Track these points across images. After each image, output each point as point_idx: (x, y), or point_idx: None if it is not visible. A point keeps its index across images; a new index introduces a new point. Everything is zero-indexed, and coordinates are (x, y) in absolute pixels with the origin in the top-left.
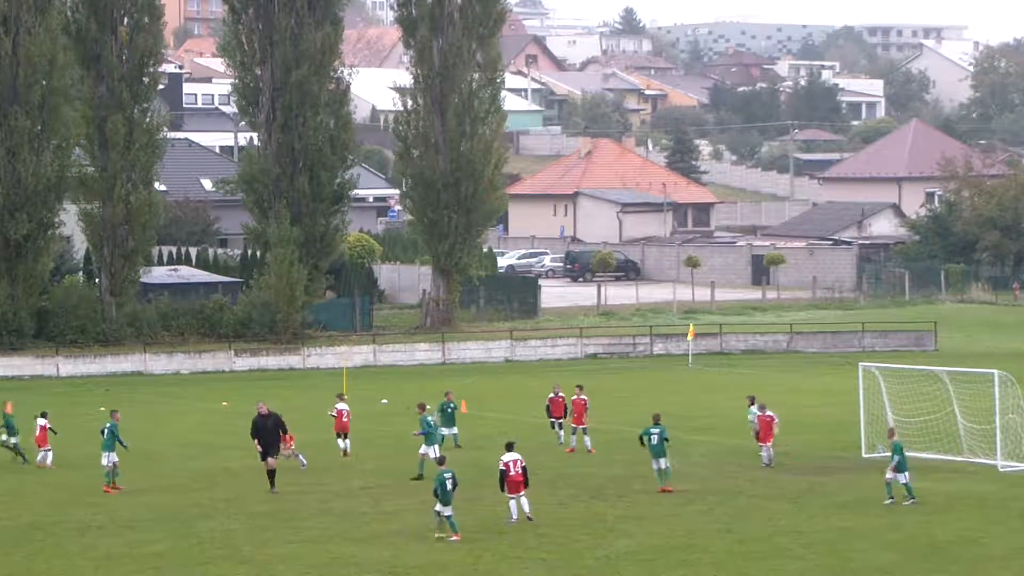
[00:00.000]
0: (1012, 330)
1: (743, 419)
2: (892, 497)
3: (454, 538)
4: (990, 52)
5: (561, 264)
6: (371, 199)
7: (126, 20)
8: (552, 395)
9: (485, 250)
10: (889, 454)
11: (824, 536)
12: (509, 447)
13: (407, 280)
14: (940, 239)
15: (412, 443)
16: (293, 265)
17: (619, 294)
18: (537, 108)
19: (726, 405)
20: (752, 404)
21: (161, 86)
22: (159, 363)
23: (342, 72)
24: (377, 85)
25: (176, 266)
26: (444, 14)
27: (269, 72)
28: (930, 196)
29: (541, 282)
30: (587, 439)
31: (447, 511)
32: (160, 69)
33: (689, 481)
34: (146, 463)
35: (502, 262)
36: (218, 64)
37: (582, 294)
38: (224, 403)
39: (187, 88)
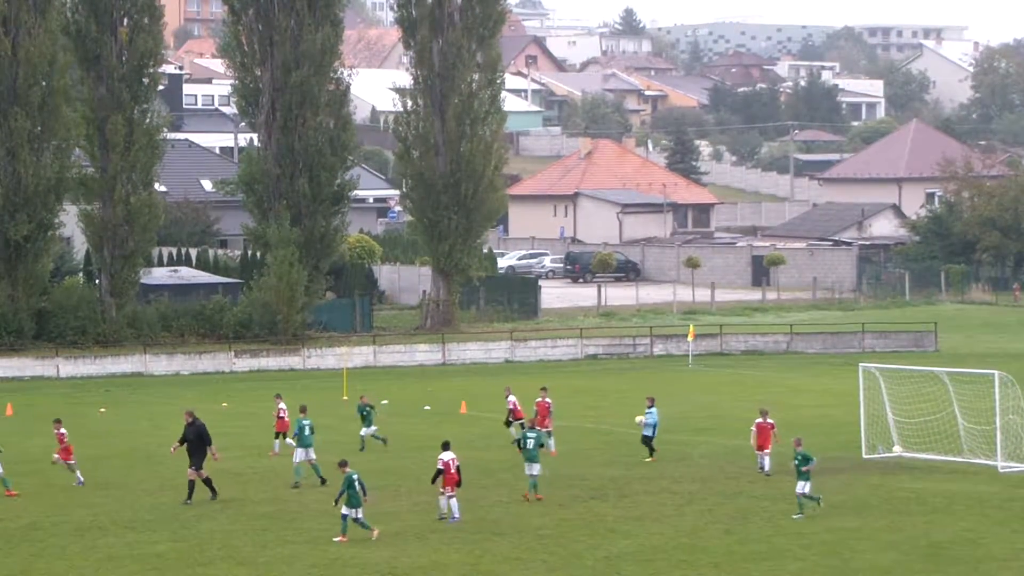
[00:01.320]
0: (1012, 331)
1: (743, 419)
2: (802, 512)
3: (339, 538)
4: (990, 52)
5: (561, 265)
6: (371, 200)
7: (126, 21)
8: (507, 397)
9: (485, 251)
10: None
11: (824, 537)
12: (445, 446)
13: (407, 281)
14: (940, 240)
15: (412, 444)
16: (293, 266)
17: (619, 295)
18: (537, 109)
19: (726, 406)
20: (651, 405)
21: (161, 87)
22: (159, 364)
23: (342, 73)
24: (377, 86)
25: (176, 267)
26: (444, 15)
27: (269, 73)
28: (930, 197)
29: (541, 283)
30: (551, 441)
31: (357, 513)
32: (160, 70)
33: (689, 482)
34: (146, 464)
35: (502, 263)
36: (218, 65)
37: (582, 295)
38: (224, 404)
39: (187, 89)
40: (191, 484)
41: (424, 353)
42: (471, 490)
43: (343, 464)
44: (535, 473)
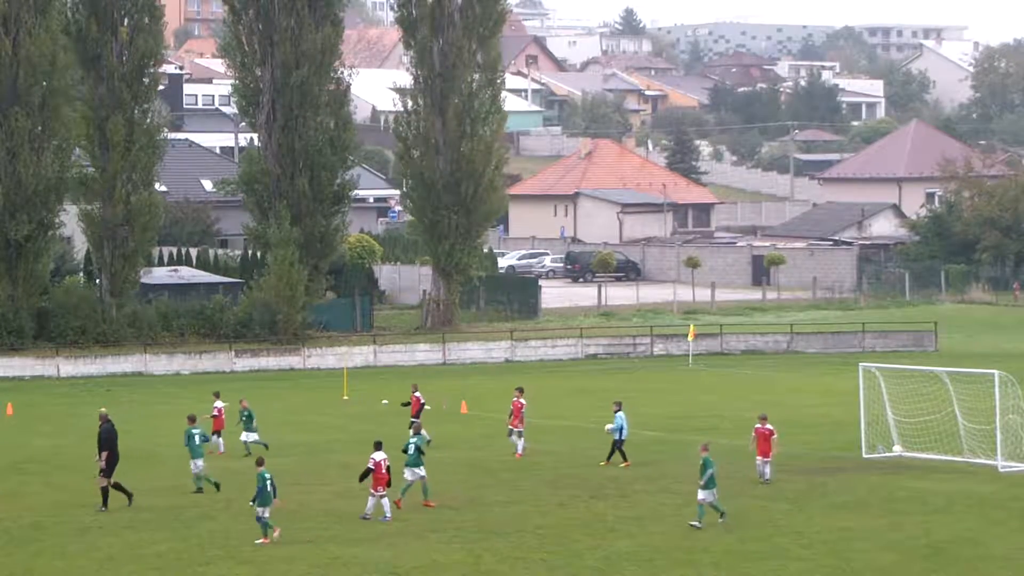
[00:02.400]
0: (1012, 330)
1: (743, 419)
2: (700, 521)
3: (260, 540)
4: (990, 52)
5: (561, 264)
6: (371, 200)
7: (126, 21)
8: (413, 395)
9: (485, 250)
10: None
11: (824, 536)
12: (378, 446)
13: (407, 280)
14: (940, 239)
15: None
16: (293, 266)
17: (619, 294)
18: (537, 109)
19: (726, 406)
20: (619, 410)
21: (161, 87)
22: (159, 364)
23: (342, 73)
24: (377, 86)
25: (176, 267)
26: (444, 15)
27: (269, 73)
28: (930, 196)
29: (541, 282)
30: (520, 442)
31: (266, 513)
32: (160, 70)
33: (689, 482)
34: (146, 464)
35: (502, 262)
36: (218, 65)
37: (582, 294)
38: (224, 404)
39: (187, 89)
40: (103, 491)
41: (424, 353)
42: (472, 491)
43: (259, 463)
44: (412, 479)
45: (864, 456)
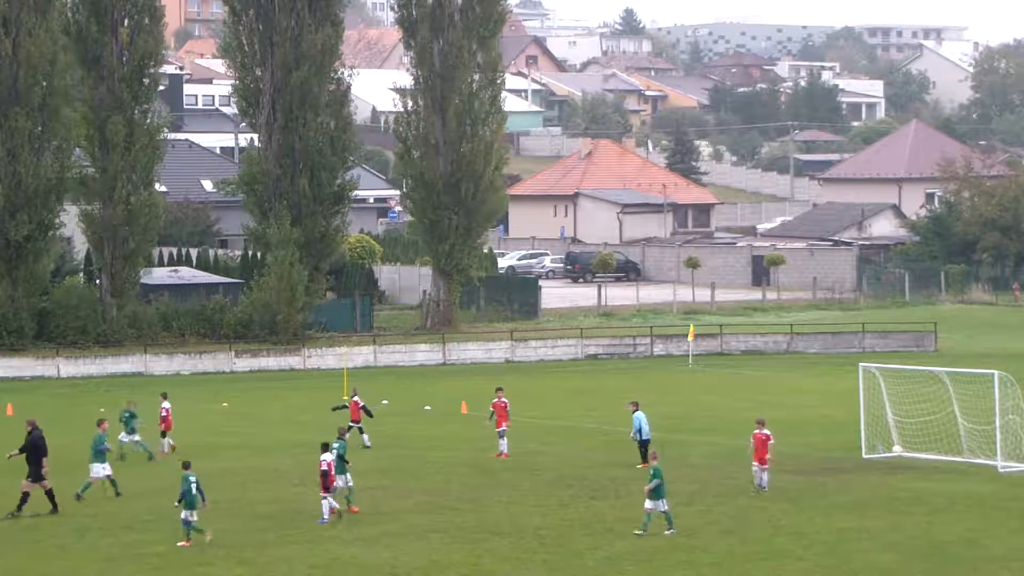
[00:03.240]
0: (1012, 331)
1: (743, 420)
2: (644, 530)
3: (182, 543)
4: (990, 53)
5: (561, 265)
6: (371, 200)
7: (126, 21)
8: (352, 399)
9: (485, 251)
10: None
11: (824, 537)
12: (325, 448)
13: (407, 281)
14: (940, 240)
15: (415, 443)
16: (293, 266)
17: (619, 295)
18: (537, 109)
19: (726, 406)
20: (636, 410)
21: (161, 87)
22: (159, 364)
23: (342, 73)
24: (377, 86)
25: (176, 267)
26: (444, 15)
27: (269, 73)
28: (930, 197)
29: (541, 283)
30: (503, 442)
31: (193, 516)
32: (160, 70)
33: (689, 482)
34: (146, 464)
35: (502, 263)
36: (218, 65)
37: (582, 295)
38: (224, 404)
39: (188, 89)
40: (24, 496)
41: (424, 353)
42: (473, 491)
43: (186, 466)
44: (340, 485)
45: (864, 456)
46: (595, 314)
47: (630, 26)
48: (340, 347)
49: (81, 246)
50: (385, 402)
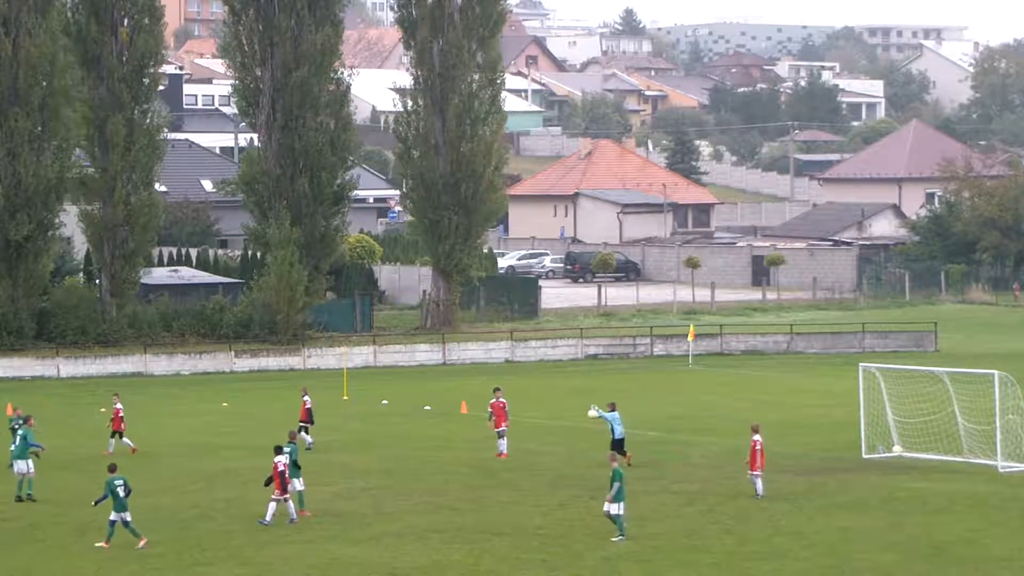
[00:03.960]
0: (1012, 331)
1: (743, 420)
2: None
3: (142, 543)
4: (990, 53)
5: (561, 265)
6: (371, 200)
7: (126, 21)
8: (303, 398)
9: (485, 251)
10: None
11: (824, 536)
12: (278, 450)
13: (407, 281)
14: (940, 240)
15: (415, 443)
16: (293, 266)
17: (619, 295)
18: (537, 109)
19: (726, 406)
20: (613, 410)
21: (161, 87)
22: (159, 364)
23: (342, 73)
24: (377, 86)
25: (176, 267)
26: (444, 15)
27: (269, 73)
28: (930, 197)
29: (541, 283)
30: (502, 442)
31: (126, 516)
32: (160, 70)
33: (689, 482)
34: (146, 464)
35: (502, 263)
36: (218, 65)
37: (582, 295)
38: (224, 404)
39: (187, 89)
40: None
41: (424, 353)
42: (473, 491)
43: (111, 469)
44: (294, 489)
45: (864, 456)
46: (595, 314)
47: (630, 26)
48: (340, 347)
49: (81, 246)
50: (385, 402)
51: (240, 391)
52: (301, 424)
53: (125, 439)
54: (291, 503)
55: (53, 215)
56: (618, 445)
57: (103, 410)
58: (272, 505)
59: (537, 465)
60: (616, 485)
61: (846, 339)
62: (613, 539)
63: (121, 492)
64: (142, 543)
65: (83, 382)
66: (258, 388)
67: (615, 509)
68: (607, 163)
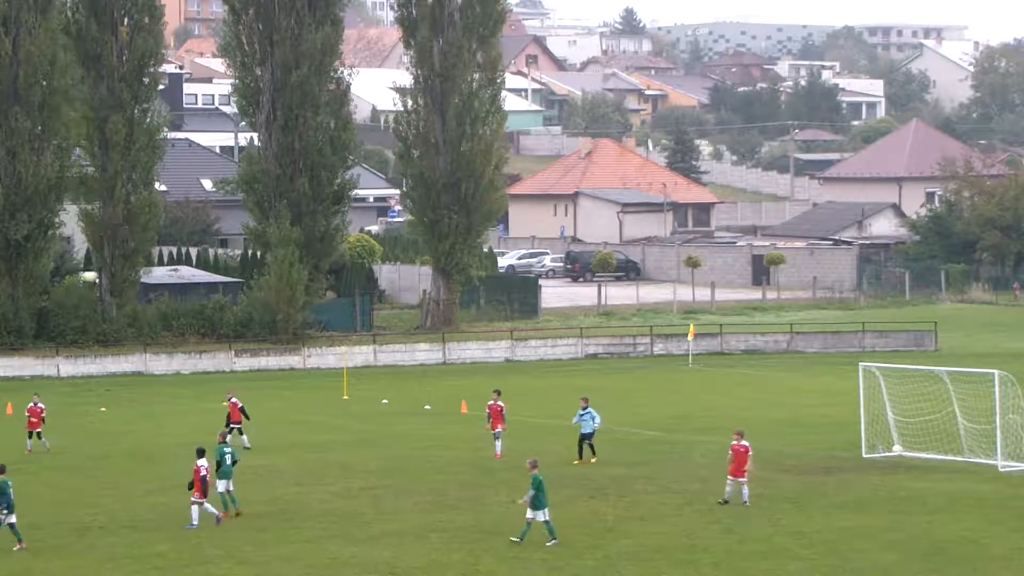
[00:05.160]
0: (1012, 330)
1: (743, 419)
2: (521, 539)
3: (17, 547)
4: (990, 52)
5: (561, 264)
6: (371, 199)
7: (126, 20)
8: (230, 400)
9: (485, 250)
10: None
11: (824, 536)
12: (201, 453)
13: (407, 280)
14: (940, 239)
15: (415, 443)
16: (293, 265)
17: (619, 294)
18: (537, 108)
19: (726, 405)
20: (586, 406)
21: (161, 86)
22: (159, 363)
23: (342, 72)
24: (377, 85)
25: (176, 266)
26: (444, 14)
27: (269, 72)
28: (930, 196)
29: (541, 282)
30: (498, 443)
31: (10, 518)
32: (160, 69)
33: (689, 482)
34: (146, 464)
35: (502, 262)
36: (218, 64)
37: (582, 294)
38: (224, 403)
39: (187, 88)
40: None
41: (424, 352)
42: (471, 490)
43: (1, 470)
44: (228, 490)
45: (864, 456)
46: (595, 313)
47: (630, 25)
48: (340, 347)
49: (81, 246)
50: (385, 401)
51: (240, 391)
52: (232, 425)
53: (43, 439)
54: (208, 505)
55: (53, 215)
56: (586, 439)
57: (103, 409)
58: (195, 509)
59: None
60: (531, 492)
61: (846, 338)
62: (547, 543)
63: (11, 494)
64: (18, 547)
65: (83, 381)
66: (258, 388)
67: (541, 516)
68: (607, 162)
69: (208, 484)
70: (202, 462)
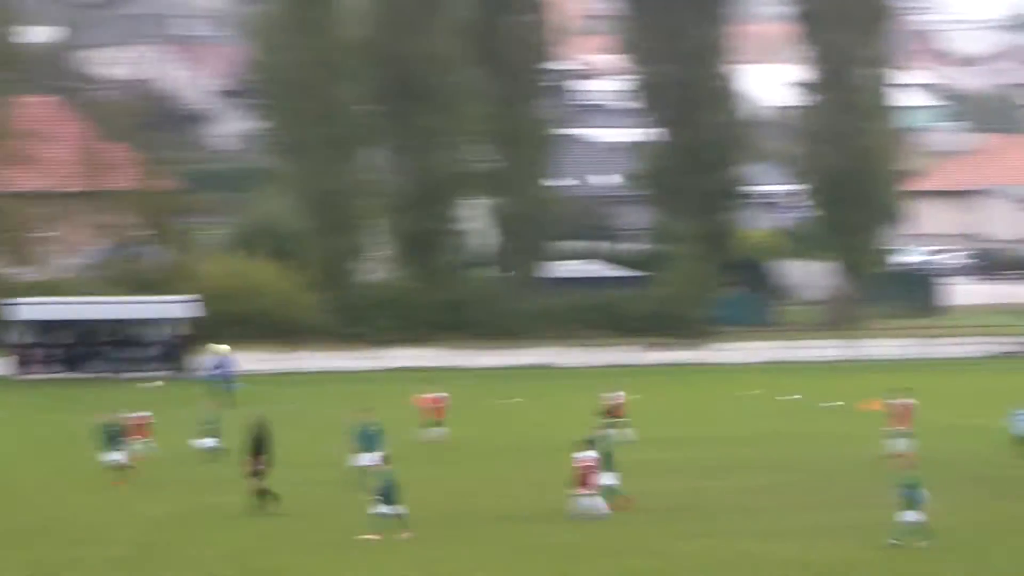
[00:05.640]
0: None
1: None
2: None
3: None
4: None
5: (967, 262)
6: (769, 195)
7: (521, 18)
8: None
9: (888, 246)
10: None
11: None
12: (587, 445)
13: (808, 276)
14: None
15: (818, 439)
16: (697, 261)
17: None
18: (933, 103)
19: None
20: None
21: (556, 83)
22: (566, 356)
23: (735, 68)
24: (765, 81)
25: (582, 260)
26: (833, 10)
27: (664, 69)
28: None
29: (948, 280)
30: (904, 442)
31: (389, 508)
32: (552, 66)
33: None
34: (555, 454)
35: (904, 259)
36: (611, 61)
37: (989, 292)
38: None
39: (576, 84)
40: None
41: (828, 349)
42: (880, 490)
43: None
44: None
45: None
46: (1005, 312)
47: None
48: (743, 342)
49: (488, 240)
50: (797, 396)
51: (645, 384)
52: (613, 419)
53: (442, 428)
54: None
55: (457, 208)
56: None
57: (518, 400)
58: (583, 501)
59: (947, 463)
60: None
61: None
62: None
63: None
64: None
65: (492, 373)
66: (660, 382)
67: (911, 516)
68: (1009, 159)
69: (594, 476)
70: (586, 454)
